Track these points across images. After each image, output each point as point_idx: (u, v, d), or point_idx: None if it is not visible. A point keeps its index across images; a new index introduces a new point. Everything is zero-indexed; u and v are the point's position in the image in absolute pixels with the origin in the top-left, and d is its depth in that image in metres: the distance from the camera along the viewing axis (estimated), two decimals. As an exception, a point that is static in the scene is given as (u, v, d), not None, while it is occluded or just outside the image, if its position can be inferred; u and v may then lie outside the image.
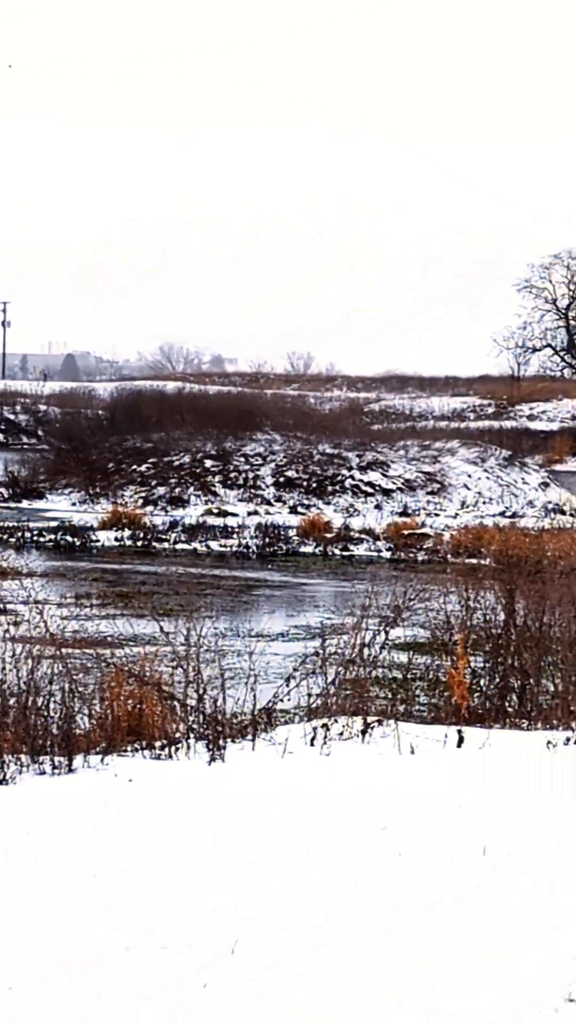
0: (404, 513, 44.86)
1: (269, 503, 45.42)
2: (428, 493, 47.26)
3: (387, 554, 39.21)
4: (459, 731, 12.28)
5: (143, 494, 45.37)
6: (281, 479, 46.75)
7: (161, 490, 45.64)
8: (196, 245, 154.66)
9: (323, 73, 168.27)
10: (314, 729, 12.13)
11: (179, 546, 39.34)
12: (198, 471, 46.76)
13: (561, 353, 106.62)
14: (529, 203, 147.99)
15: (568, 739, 12.48)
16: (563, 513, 46.79)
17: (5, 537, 38.58)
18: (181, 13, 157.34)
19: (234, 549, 39.22)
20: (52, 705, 12.18)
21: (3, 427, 67.64)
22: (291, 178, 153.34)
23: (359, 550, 39.76)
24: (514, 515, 45.76)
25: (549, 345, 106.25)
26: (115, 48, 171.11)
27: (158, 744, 11.84)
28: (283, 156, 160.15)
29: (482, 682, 15.52)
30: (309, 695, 13.86)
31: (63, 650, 13.04)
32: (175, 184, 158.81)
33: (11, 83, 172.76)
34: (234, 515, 43.39)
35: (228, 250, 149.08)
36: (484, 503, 47.59)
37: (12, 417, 68.58)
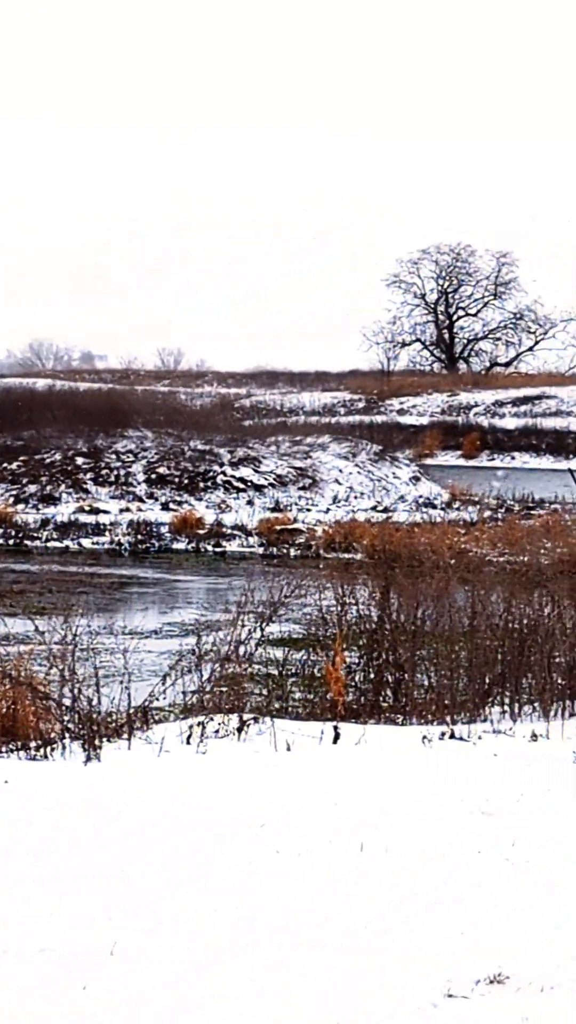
0: (276, 508, 44.91)
1: (141, 500, 45.20)
2: (300, 488, 47.35)
3: (260, 550, 39.24)
4: (335, 727, 12.32)
5: (14, 492, 44.92)
6: (153, 476, 46.56)
7: (32, 488, 45.21)
8: (196, 245, 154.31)
9: (323, 73, 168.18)
10: (190, 727, 12.09)
11: (51, 544, 39.05)
12: (69, 468, 46.39)
13: (430, 347, 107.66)
14: (529, 203, 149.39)
15: (443, 733, 12.58)
16: (434, 507, 47.15)
17: None
18: (181, 13, 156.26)
19: (106, 546, 39.02)
20: None
21: None
22: (291, 178, 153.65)
23: (232, 546, 39.75)
24: (386, 510, 46.01)
25: (418, 340, 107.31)
26: (115, 48, 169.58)
27: (33, 745, 11.73)
28: (283, 156, 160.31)
29: (357, 677, 15.59)
30: (185, 693, 13.82)
31: None
32: (175, 184, 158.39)
33: (11, 83, 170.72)
34: (106, 512, 43.10)
35: (228, 250, 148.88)
36: (356, 498, 47.79)
37: None
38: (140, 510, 43.99)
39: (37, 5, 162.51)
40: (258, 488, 46.63)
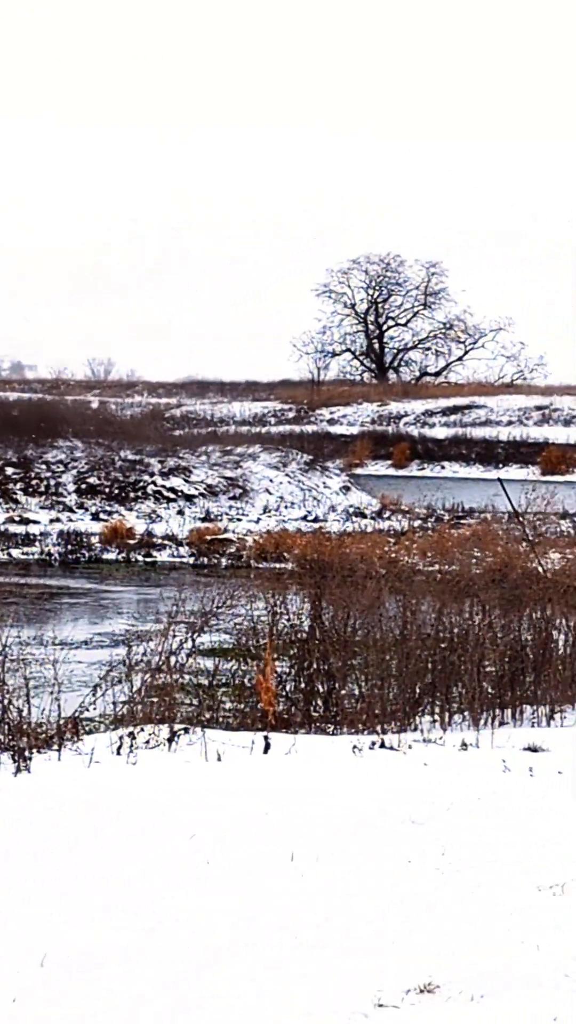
0: (207, 518, 44.87)
1: (71, 510, 45.03)
2: (230, 498, 47.36)
3: (190, 560, 39.21)
4: (265, 737, 12.31)
5: None
6: (83, 486, 46.41)
7: (-40, 498, 44.95)
8: (196, 245, 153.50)
9: (323, 73, 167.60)
10: (120, 738, 12.04)
11: (-21, 554, 38.85)
12: (-1, 478, 46.18)
13: (360, 357, 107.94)
14: (529, 203, 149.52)
15: (373, 743, 12.60)
16: (364, 516, 47.27)
17: None
18: (181, 13, 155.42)
19: (36, 557, 38.84)
20: None
21: None
22: (291, 178, 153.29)
23: (162, 556, 39.69)
24: (316, 519, 46.08)
25: (348, 349, 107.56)
26: (115, 48, 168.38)
27: (-38, 757, 11.64)
28: (283, 156, 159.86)
29: (288, 687, 15.60)
30: (115, 703, 13.77)
31: None
32: (175, 184, 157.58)
33: (11, 83, 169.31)
34: (36, 522, 42.90)
35: (228, 250, 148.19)
36: (286, 507, 47.86)
37: None
38: (70, 520, 43.85)
39: (37, 5, 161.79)
40: (188, 498, 46.58)
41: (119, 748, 11.82)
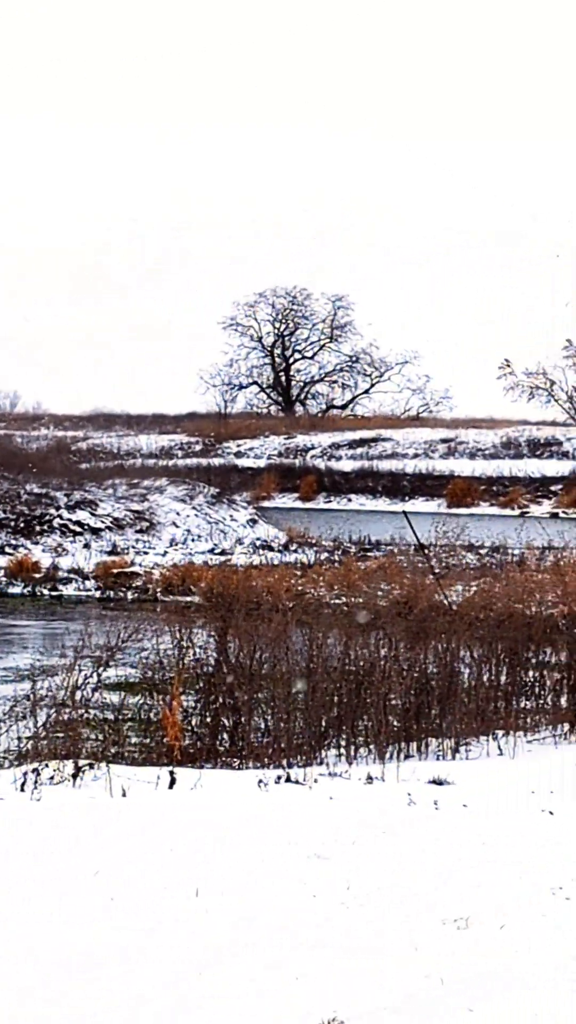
0: (113, 552, 44.67)
1: (-24, 543, 44.65)
2: (137, 531, 47.19)
3: (97, 593, 39.03)
4: (171, 772, 12.26)
5: None
6: (-12, 519, 46.04)
7: None
8: (196, 245, 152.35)
9: (323, 73, 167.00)
10: (24, 774, 11.93)
11: None
12: None
13: (267, 390, 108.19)
14: (529, 203, 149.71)
15: (279, 777, 12.58)
16: (272, 549, 47.29)
17: None
18: (181, 13, 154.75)
19: None
20: None
21: None
22: (291, 178, 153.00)
23: (68, 590, 39.49)
24: (223, 552, 46.04)
25: (255, 382, 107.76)
26: (115, 48, 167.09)
27: None
28: (283, 156, 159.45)
29: (194, 721, 15.55)
30: (20, 739, 13.66)
31: None
32: (175, 184, 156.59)
33: (11, 83, 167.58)
34: None
35: (228, 250, 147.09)
36: (193, 540, 47.77)
37: None
38: (-25, 554, 43.44)
39: (37, 5, 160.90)
40: (95, 531, 46.36)
41: (23, 784, 11.71)
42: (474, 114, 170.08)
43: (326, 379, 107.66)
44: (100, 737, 14.79)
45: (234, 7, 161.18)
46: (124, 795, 11.58)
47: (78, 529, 46.11)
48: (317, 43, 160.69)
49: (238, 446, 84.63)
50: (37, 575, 40.57)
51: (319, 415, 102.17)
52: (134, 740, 15.26)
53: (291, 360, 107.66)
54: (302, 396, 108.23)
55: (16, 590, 39.07)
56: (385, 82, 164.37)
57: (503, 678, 17.61)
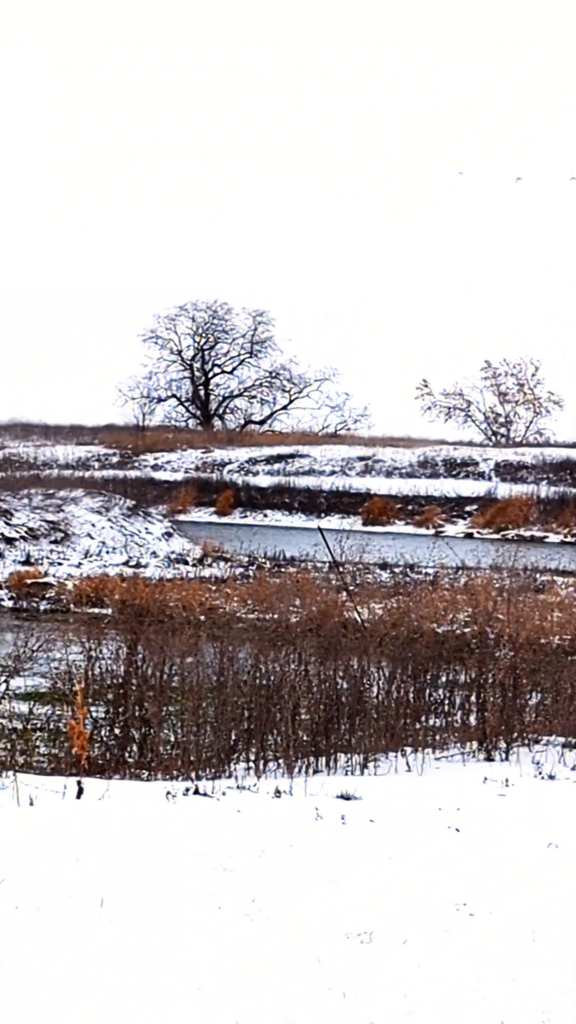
0: (27, 562, 44.37)
1: None
2: (52, 542, 46.93)
3: (9, 603, 38.78)
4: (79, 782, 12.20)
5: None
6: None
7: None
8: (118, 255, 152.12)
9: (323, 73, 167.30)
10: None
11: None
12: None
13: (186, 404, 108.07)
14: (446, 222, 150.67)
15: (187, 789, 12.57)
16: (186, 563, 47.21)
17: None
18: (180, 13, 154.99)
19: None
20: None
21: None
22: (215, 188, 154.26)
23: (-20, 599, 39.20)
24: (138, 565, 45.88)
25: (174, 395, 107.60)
26: (115, 48, 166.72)
27: None
28: (283, 156, 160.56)
29: (104, 732, 15.50)
30: None
31: None
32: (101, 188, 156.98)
33: (10, 83, 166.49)
34: None
35: (150, 260, 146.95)
36: (108, 552, 47.57)
37: None
38: None
39: (37, 5, 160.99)
40: (9, 541, 46.08)
41: None
42: (474, 114, 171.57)
43: (245, 394, 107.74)
44: (8, 746, 14.70)
45: (235, 8, 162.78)
46: (32, 804, 11.52)
47: (-8, 538, 45.78)
48: (317, 42, 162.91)
49: (155, 459, 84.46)
50: (-51, 584, 40.24)
51: (237, 430, 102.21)
52: (43, 750, 15.18)
53: (210, 374, 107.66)
54: (221, 411, 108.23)
55: None
56: (385, 82, 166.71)
57: (412, 695, 17.67)
